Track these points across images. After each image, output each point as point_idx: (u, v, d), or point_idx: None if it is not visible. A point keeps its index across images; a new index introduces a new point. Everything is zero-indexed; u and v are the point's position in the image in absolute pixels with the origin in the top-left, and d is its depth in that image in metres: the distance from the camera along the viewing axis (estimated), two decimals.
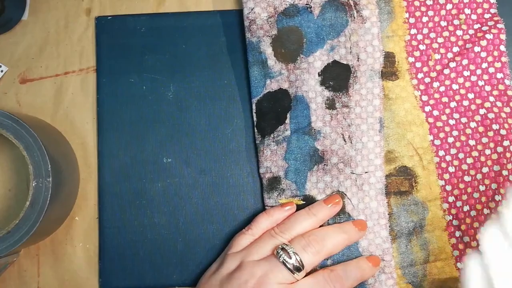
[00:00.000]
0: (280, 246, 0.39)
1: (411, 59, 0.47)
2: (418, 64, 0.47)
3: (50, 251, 0.46)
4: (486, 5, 0.48)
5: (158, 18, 0.49)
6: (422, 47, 0.47)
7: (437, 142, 0.46)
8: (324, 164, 0.45)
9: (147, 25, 0.49)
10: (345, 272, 0.41)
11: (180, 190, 0.46)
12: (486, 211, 0.44)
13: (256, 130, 0.46)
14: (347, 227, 0.43)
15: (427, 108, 0.46)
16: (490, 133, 0.45)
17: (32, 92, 0.48)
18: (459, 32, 0.47)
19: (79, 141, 0.48)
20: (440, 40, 0.47)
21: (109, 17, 0.49)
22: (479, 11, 0.48)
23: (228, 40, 0.49)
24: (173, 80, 0.48)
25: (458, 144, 0.46)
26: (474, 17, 0.48)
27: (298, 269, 0.38)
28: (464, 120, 0.46)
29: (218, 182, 0.47)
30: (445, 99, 0.46)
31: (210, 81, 0.48)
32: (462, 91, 0.46)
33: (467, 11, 0.48)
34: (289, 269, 0.38)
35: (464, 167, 0.45)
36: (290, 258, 0.38)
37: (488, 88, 0.46)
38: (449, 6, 0.48)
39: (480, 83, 0.46)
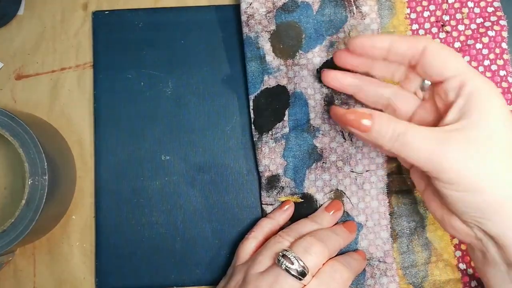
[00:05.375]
0: (280, 253, 0.37)
1: None
2: None
3: (46, 250, 0.46)
4: None
5: (156, 13, 0.49)
6: None
7: None
8: (323, 162, 0.45)
9: (145, 20, 0.48)
10: (346, 261, 0.40)
11: (178, 188, 0.46)
12: None
13: (253, 127, 0.46)
14: (339, 230, 0.42)
15: None
16: None
17: (27, 89, 0.48)
18: (460, 27, 0.47)
19: (76, 138, 0.47)
20: (441, 35, 0.47)
21: (106, 12, 0.49)
22: (482, 4, 0.47)
23: (228, 36, 0.48)
24: (171, 76, 0.47)
25: None
26: (477, 10, 0.47)
27: (302, 273, 0.36)
28: None
29: (217, 180, 0.46)
30: None
31: (209, 77, 0.48)
32: None
33: (470, 4, 0.47)
34: (293, 275, 0.36)
35: None
36: (292, 263, 0.36)
37: None
38: (451, 0, 0.47)
39: None
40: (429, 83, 0.38)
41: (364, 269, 0.43)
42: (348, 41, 0.39)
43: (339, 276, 0.38)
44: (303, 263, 0.37)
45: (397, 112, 0.40)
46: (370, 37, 0.38)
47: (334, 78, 0.42)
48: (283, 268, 0.36)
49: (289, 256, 0.37)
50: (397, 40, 0.37)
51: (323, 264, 0.39)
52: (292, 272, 0.36)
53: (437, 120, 0.37)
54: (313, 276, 0.37)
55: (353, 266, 0.40)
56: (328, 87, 0.45)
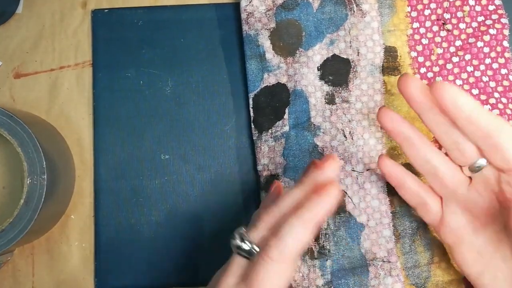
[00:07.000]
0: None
1: (414, 54, 0.47)
2: (421, 59, 0.46)
3: (45, 250, 0.45)
4: None
5: (155, 11, 0.48)
6: (424, 41, 0.47)
7: None
8: None
9: (145, 18, 0.48)
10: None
11: (178, 187, 0.46)
12: None
13: (253, 126, 0.45)
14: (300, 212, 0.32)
15: None
16: None
17: (26, 87, 0.48)
18: (462, 25, 0.47)
19: (75, 137, 0.47)
20: (442, 33, 0.47)
21: (105, 10, 0.48)
22: (484, 2, 0.47)
23: (227, 34, 0.48)
24: (171, 75, 0.47)
25: None
26: (478, 8, 0.47)
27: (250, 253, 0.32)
28: None
29: (216, 179, 0.46)
30: None
31: (209, 76, 0.47)
32: (466, 87, 0.46)
33: (471, 2, 0.47)
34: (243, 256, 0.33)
35: None
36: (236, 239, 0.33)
37: (492, 84, 0.46)
38: None
39: (485, 78, 0.46)
40: (485, 163, 0.33)
41: (368, 270, 0.43)
42: (436, 84, 0.31)
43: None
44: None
45: (442, 186, 0.37)
46: (460, 93, 0.31)
47: (391, 119, 0.37)
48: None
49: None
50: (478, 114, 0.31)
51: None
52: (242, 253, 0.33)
53: (492, 205, 0.35)
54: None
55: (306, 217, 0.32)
56: (329, 85, 0.45)
